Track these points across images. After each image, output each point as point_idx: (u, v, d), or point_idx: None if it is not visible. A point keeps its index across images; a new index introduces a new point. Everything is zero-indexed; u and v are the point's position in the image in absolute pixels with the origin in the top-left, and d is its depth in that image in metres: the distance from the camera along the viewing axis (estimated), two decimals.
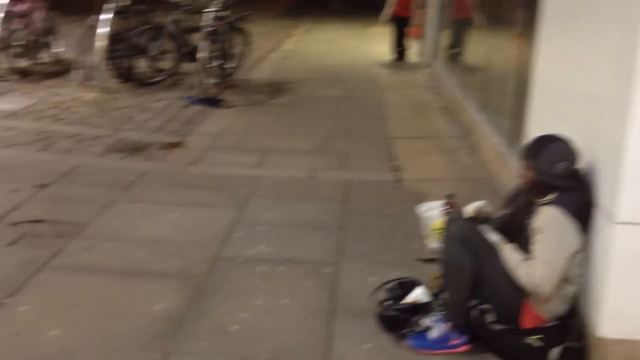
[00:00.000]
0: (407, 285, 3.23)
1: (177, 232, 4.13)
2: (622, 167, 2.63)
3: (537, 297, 2.81)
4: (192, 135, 6.34)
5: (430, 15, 10.76)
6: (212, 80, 7.97)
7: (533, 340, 2.82)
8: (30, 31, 8.31)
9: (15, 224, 4.11)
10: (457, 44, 8.91)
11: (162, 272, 3.61)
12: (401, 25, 11.32)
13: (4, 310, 3.15)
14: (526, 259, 2.80)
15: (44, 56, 8.87)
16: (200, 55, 7.66)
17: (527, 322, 2.87)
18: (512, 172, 4.40)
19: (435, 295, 3.11)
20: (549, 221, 2.76)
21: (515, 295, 2.85)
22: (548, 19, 3.98)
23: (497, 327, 2.90)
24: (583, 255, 2.83)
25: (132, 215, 4.36)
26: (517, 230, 2.92)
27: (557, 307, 2.86)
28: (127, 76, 8.17)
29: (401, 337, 3.02)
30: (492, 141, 5.55)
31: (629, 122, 2.59)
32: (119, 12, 8.05)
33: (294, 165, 5.56)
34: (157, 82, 8.31)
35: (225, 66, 8.29)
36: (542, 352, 2.82)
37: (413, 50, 11.63)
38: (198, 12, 8.36)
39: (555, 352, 2.81)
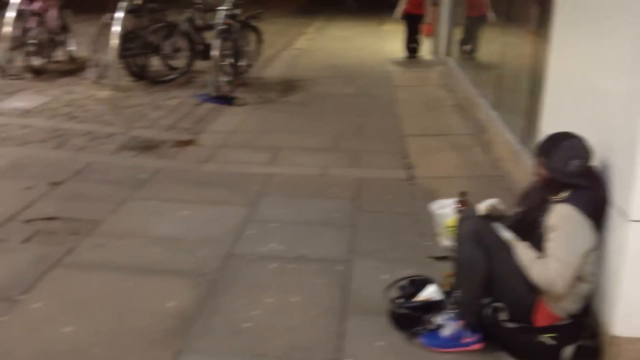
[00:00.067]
0: (419, 283, 3.22)
1: (190, 229, 4.14)
2: (636, 165, 2.60)
3: (550, 295, 2.79)
4: (205, 133, 6.36)
5: (443, 12, 10.72)
6: (225, 78, 7.99)
7: (546, 338, 2.81)
8: (44, 30, 8.37)
9: (29, 221, 4.14)
10: (470, 41, 8.87)
11: (174, 269, 3.62)
12: (414, 22, 11.29)
13: (18, 307, 3.17)
14: (540, 257, 2.79)
15: (58, 54, 8.93)
16: (213, 53, 7.67)
17: (540, 320, 2.85)
18: (525, 170, 4.37)
19: (448, 293, 3.10)
20: (563, 219, 2.74)
21: (529, 293, 2.84)
22: (561, 15, 3.95)
23: (510, 325, 2.88)
24: (597, 254, 2.80)
25: (145, 212, 4.38)
26: (530, 228, 2.90)
27: (571, 306, 2.84)
28: (140, 74, 8.21)
29: (413, 335, 3.01)
30: (506, 139, 5.52)
31: None
32: (133, 11, 8.09)
33: (306, 163, 5.56)
34: (170, 80, 8.34)
35: (238, 64, 8.30)
36: (555, 350, 2.80)
37: (426, 48, 11.59)
38: (211, 10, 8.38)
39: (568, 350, 2.79)
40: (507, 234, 2.93)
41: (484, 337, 2.96)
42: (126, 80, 8.06)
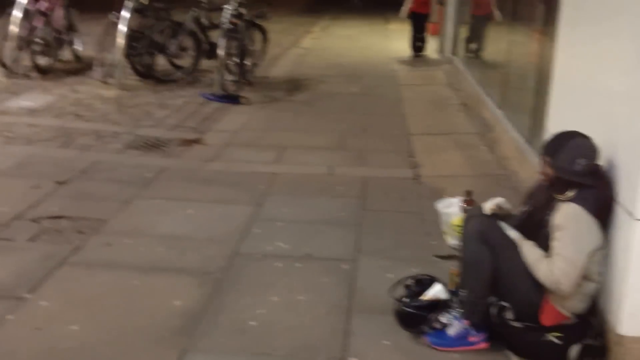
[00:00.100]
0: (425, 282, 3.21)
1: (195, 228, 4.15)
2: None
3: (556, 295, 2.79)
4: (211, 132, 6.37)
5: (449, 11, 10.70)
6: (231, 77, 8.00)
7: (552, 337, 2.80)
8: (50, 29, 8.39)
9: (36, 219, 4.16)
10: (476, 40, 8.85)
11: (180, 268, 3.63)
12: (419, 21, 11.27)
13: (25, 305, 3.18)
14: (546, 256, 2.78)
15: (64, 54, 8.96)
16: (218, 52, 7.68)
17: (546, 320, 2.85)
18: (531, 169, 4.36)
19: (454, 293, 3.10)
20: (569, 218, 2.73)
21: (535, 292, 2.83)
22: (567, 14, 3.94)
23: (516, 324, 2.88)
24: (603, 253, 2.80)
25: (151, 211, 4.39)
26: (536, 227, 2.89)
27: (577, 305, 2.84)
28: (146, 73, 8.22)
29: (419, 334, 3.01)
30: (512, 137, 5.51)
31: None
32: (139, 10, 8.10)
33: (312, 162, 5.56)
34: (176, 79, 8.36)
35: (244, 63, 8.30)
36: (562, 349, 2.79)
37: (431, 47, 11.57)
38: (217, 9, 8.39)
39: (575, 349, 2.78)
40: (513, 233, 2.92)
41: (489, 337, 2.95)
42: (132, 80, 8.08)
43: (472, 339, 2.94)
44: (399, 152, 5.88)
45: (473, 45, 8.99)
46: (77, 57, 9.09)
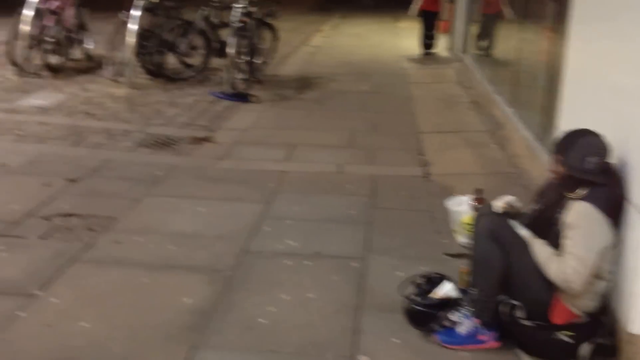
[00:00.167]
0: (435, 280, 3.20)
1: (206, 226, 4.16)
2: None
3: (567, 293, 2.77)
4: (221, 130, 6.38)
5: (460, 9, 10.67)
6: (241, 76, 8.01)
7: (563, 336, 2.79)
8: (61, 28, 8.43)
9: (47, 217, 4.18)
10: (486, 38, 8.82)
11: (190, 265, 3.64)
12: (429, 19, 11.24)
13: (36, 302, 3.20)
14: (557, 255, 2.77)
15: (75, 52, 9.00)
16: (229, 50, 7.69)
17: (557, 318, 2.83)
18: (542, 167, 4.34)
19: (464, 291, 3.09)
20: (581, 216, 2.72)
21: (546, 290, 2.82)
22: (578, 12, 3.91)
23: (527, 322, 2.86)
24: (615, 251, 2.78)
25: (161, 209, 4.40)
26: (547, 226, 2.88)
27: (588, 303, 2.82)
28: (156, 72, 8.25)
29: (429, 332, 3.01)
30: (522, 135, 5.48)
31: None
32: (149, 9, 8.13)
33: (322, 160, 5.56)
34: (186, 77, 8.38)
35: (254, 61, 8.32)
36: (573, 348, 2.78)
37: (442, 45, 11.54)
38: (227, 7, 8.40)
39: (585, 348, 2.77)
40: (523, 231, 2.91)
41: (500, 335, 2.94)
42: (142, 78, 8.11)
43: (482, 337, 2.93)
44: (408, 150, 5.87)
45: (483, 43, 8.96)
46: (88, 56, 9.14)
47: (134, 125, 6.34)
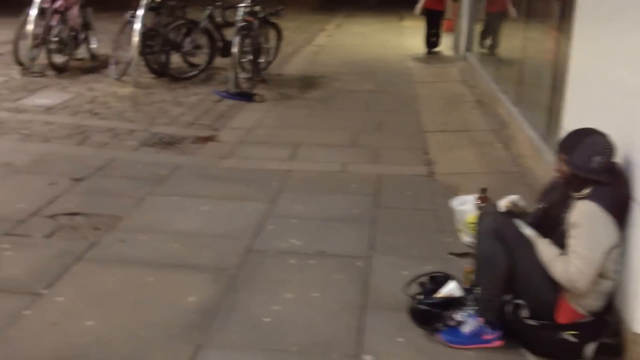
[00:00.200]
0: (440, 280, 3.20)
1: (210, 225, 4.16)
2: None
3: (572, 293, 2.77)
4: (225, 130, 6.39)
5: (464, 8, 10.65)
6: (245, 75, 8.02)
7: (568, 335, 2.78)
8: (66, 27, 8.45)
9: (52, 216, 4.19)
10: (490, 37, 8.80)
11: (195, 264, 3.64)
12: (434, 18, 11.23)
13: (41, 301, 3.21)
14: (562, 254, 2.76)
15: (80, 52, 9.02)
16: (233, 50, 7.69)
17: (562, 318, 2.83)
18: (547, 166, 4.33)
19: (468, 290, 3.08)
20: (586, 216, 2.71)
21: (550, 290, 2.81)
22: (583, 10, 3.90)
23: (532, 322, 2.86)
24: (620, 251, 2.77)
25: (166, 208, 4.41)
26: (552, 225, 2.87)
27: (593, 303, 2.82)
28: (161, 71, 8.26)
29: (433, 331, 3.00)
30: (527, 135, 5.47)
31: None
32: (153, 8, 8.14)
33: (326, 159, 5.56)
34: (191, 77, 8.39)
35: (258, 61, 8.32)
36: (578, 347, 2.77)
37: (446, 44, 11.52)
38: (231, 7, 8.41)
39: (590, 348, 2.76)
40: (528, 231, 2.91)
41: (504, 334, 2.94)
42: (147, 77, 8.12)
43: (486, 336, 2.92)
44: (413, 150, 5.86)
45: (488, 42, 8.94)
46: (93, 55, 9.16)
47: (139, 125, 6.35)
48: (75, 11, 8.67)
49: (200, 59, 8.55)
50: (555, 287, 2.79)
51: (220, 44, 8.49)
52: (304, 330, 3.03)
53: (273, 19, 8.94)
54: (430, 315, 3.03)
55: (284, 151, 5.74)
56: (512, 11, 7.35)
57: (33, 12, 7.93)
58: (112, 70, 8.14)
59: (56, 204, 4.38)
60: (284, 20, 9.34)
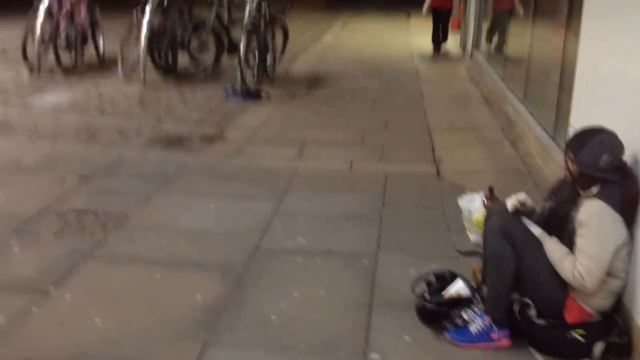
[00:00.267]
0: (447, 278, 3.20)
1: (217, 223, 4.17)
2: None
3: (581, 292, 2.75)
4: (232, 128, 6.39)
5: (471, 6, 10.62)
6: (252, 74, 8.02)
7: (576, 334, 2.77)
8: (74, 26, 8.49)
9: (60, 214, 4.21)
10: (498, 35, 8.78)
11: (202, 262, 3.65)
12: (441, 17, 11.21)
13: (49, 299, 3.23)
14: (570, 253, 2.75)
15: (88, 51, 9.05)
16: (240, 48, 7.70)
17: (570, 317, 2.81)
18: (555, 165, 4.32)
19: (476, 289, 3.08)
20: (594, 215, 2.70)
21: (559, 289, 2.80)
22: (591, 7, 3.89)
23: (540, 321, 2.85)
24: (628, 250, 2.76)
25: (173, 206, 4.42)
26: (559, 224, 2.86)
27: (602, 302, 2.80)
28: (168, 70, 8.28)
29: (440, 330, 3.00)
30: (535, 133, 5.46)
31: None
32: (161, 7, 8.15)
33: (333, 158, 5.56)
34: (198, 75, 8.40)
35: (265, 59, 8.33)
36: (585, 347, 2.76)
37: (453, 42, 11.50)
38: (239, 6, 8.41)
39: (598, 347, 2.75)
40: (536, 229, 2.89)
41: (512, 333, 2.93)
42: (154, 76, 8.14)
43: (494, 335, 2.92)
44: (420, 148, 5.85)
45: (495, 40, 8.92)
46: (100, 55, 9.19)
47: (146, 123, 6.36)
48: (82, 10, 8.71)
49: (208, 57, 8.56)
50: (563, 286, 2.78)
51: (227, 42, 8.50)
52: (311, 329, 3.03)
53: (280, 18, 8.94)
54: (438, 313, 3.03)
55: (291, 149, 5.74)
56: (520, 9, 7.33)
57: (41, 11, 7.96)
58: (119, 68, 8.16)
59: (64, 202, 4.40)
60: (291, 18, 9.34)
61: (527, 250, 2.84)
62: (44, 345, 2.87)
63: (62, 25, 8.35)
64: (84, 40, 8.86)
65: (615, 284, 2.78)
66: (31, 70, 8.13)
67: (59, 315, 3.09)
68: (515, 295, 2.92)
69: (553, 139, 5.01)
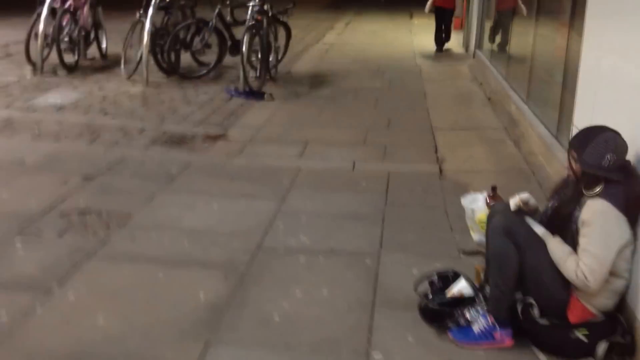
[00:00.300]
0: (450, 278, 3.20)
1: (220, 222, 4.17)
2: None
3: (584, 291, 2.75)
4: (235, 128, 6.40)
5: (474, 5, 10.61)
6: (254, 73, 8.03)
7: (580, 334, 2.77)
8: (77, 27, 8.50)
9: (64, 214, 4.22)
10: (501, 34, 8.77)
11: (205, 261, 3.65)
12: (444, 16, 11.20)
13: (53, 298, 3.23)
14: (573, 252, 2.74)
15: (91, 51, 9.06)
16: (242, 48, 7.71)
17: (573, 317, 2.81)
18: (558, 164, 4.31)
19: (479, 288, 3.07)
20: (597, 214, 2.69)
21: (562, 288, 2.80)
22: (595, 6, 3.88)
23: (543, 321, 2.84)
24: (632, 249, 2.75)
25: (176, 206, 4.42)
26: (563, 223, 2.85)
27: (605, 302, 2.79)
28: (171, 70, 8.29)
29: (443, 329, 2.99)
30: (538, 132, 5.45)
31: None
32: (163, 7, 8.17)
33: (336, 157, 5.56)
34: (201, 75, 8.41)
35: (267, 59, 8.33)
36: (589, 347, 2.75)
37: (456, 41, 11.49)
38: (240, 6, 8.42)
39: (602, 347, 2.74)
40: (539, 229, 2.89)
41: (515, 333, 2.92)
42: (157, 76, 8.15)
43: (496, 335, 2.91)
44: (423, 147, 5.85)
45: (498, 39, 8.91)
46: (103, 55, 9.20)
47: (149, 123, 6.37)
48: (85, 11, 8.72)
49: (210, 57, 8.57)
50: (566, 286, 2.78)
51: (229, 42, 8.51)
52: (314, 328, 3.04)
53: (282, 18, 8.95)
54: (440, 313, 3.02)
55: (294, 149, 5.74)
56: (523, 8, 7.32)
57: (44, 12, 7.97)
58: (122, 69, 8.17)
59: (67, 202, 4.41)
60: (294, 18, 9.34)
61: (530, 250, 2.84)
62: (47, 343, 2.87)
63: (65, 24, 8.37)
64: (87, 41, 8.88)
65: (618, 284, 2.78)
66: (34, 70, 8.15)
67: (62, 313, 3.10)
68: (518, 295, 2.91)
69: (556, 138, 5.00)
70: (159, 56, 8.16)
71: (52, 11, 8.11)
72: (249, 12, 7.91)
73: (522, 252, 2.84)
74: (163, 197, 4.59)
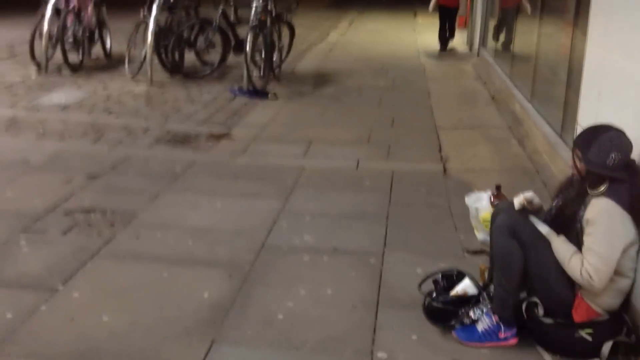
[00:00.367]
0: (455, 277, 3.19)
1: (224, 221, 4.18)
2: None
3: (589, 291, 2.74)
4: (239, 127, 6.40)
5: (478, 4, 10.59)
6: (258, 73, 8.03)
7: (584, 334, 2.76)
8: (81, 26, 8.51)
9: (68, 213, 4.23)
10: (505, 32, 8.75)
11: (209, 260, 3.66)
12: (448, 15, 11.19)
13: (58, 296, 3.24)
14: (578, 252, 2.74)
15: (95, 51, 9.08)
16: (246, 48, 7.71)
17: (578, 316, 2.80)
18: (563, 163, 4.30)
19: (483, 287, 3.07)
20: (602, 213, 2.69)
21: (566, 288, 2.79)
22: (599, 4, 3.87)
23: (547, 320, 2.84)
24: (637, 248, 2.74)
25: (181, 204, 4.43)
26: (567, 222, 2.85)
27: (610, 301, 2.79)
28: (175, 69, 8.29)
29: (448, 329, 2.99)
30: (542, 131, 5.44)
31: None
32: (168, 7, 8.17)
33: (340, 156, 5.56)
34: (204, 74, 8.42)
35: (272, 58, 8.33)
36: (593, 346, 2.75)
37: (460, 40, 11.47)
38: (244, 5, 8.42)
39: (607, 346, 2.73)
40: (543, 228, 2.88)
41: (519, 332, 2.92)
42: (161, 76, 8.15)
43: (501, 334, 2.91)
44: (427, 146, 5.84)
45: (502, 38, 8.89)
46: (108, 54, 9.21)
47: (153, 122, 6.38)
48: (89, 10, 8.73)
49: (214, 57, 8.57)
50: (571, 285, 2.77)
51: (233, 42, 8.51)
52: (318, 327, 3.04)
53: (286, 17, 8.94)
54: (445, 313, 3.02)
55: (298, 148, 5.74)
56: (527, 6, 7.30)
57: (48, 10, 7.99)
58: (126, 68, 8.18)
59: (72, 201, 4.42)
60: (297, 17, 9.33)
61: (535, 249, 2.83)
62: (53, 341, 2.88)
63: (70, 24, 8.38)
64: (91, 40, 8.89)
65: (623, 283, 2.77)
66: (39, 69, 8.16)
67: (67, 312, 3.10)
68: (523, 294, 2.91)
69: (561, 137, 4.99)
70: (163, 55, 8.16)
71: (57, 11, 8.13)
72: (253, 11, 7.91)
73: (527, 251, 2.84)
74: (167, 196, 4.60)
